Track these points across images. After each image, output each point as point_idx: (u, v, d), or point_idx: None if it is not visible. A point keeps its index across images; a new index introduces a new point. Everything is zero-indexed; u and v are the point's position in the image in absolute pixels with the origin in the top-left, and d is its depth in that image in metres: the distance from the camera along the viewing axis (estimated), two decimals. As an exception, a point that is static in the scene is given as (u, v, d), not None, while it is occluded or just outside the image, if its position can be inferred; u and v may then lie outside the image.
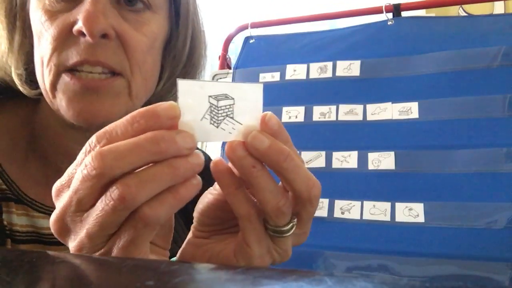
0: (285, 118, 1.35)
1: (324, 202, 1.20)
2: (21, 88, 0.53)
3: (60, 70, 0.48)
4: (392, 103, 1.25)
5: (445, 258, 1.03)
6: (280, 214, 0.34)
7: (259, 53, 1.52)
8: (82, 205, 0.31)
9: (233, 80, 1.50)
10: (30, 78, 0.53)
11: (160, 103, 0.31)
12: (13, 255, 0.31)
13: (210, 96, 0.33)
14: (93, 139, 0.32)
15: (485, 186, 1.07)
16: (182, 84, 0.32)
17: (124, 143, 0.30)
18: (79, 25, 0.46)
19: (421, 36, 1.31)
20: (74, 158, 0.36)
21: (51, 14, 0.49)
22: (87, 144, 0.32)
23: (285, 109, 1.37)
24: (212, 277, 0.24)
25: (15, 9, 0.53)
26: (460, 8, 1.95)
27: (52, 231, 0.33)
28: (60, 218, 0.32)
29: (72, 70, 0.48)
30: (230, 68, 1.63)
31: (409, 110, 1.22)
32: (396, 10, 1.40)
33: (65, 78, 0.48)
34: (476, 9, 1.87)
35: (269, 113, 0.35)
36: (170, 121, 0.31)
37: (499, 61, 1.18)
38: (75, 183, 0.31)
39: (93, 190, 0.30)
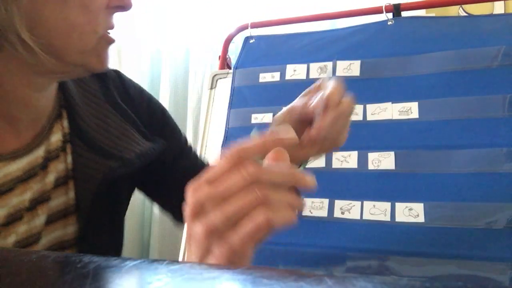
0: (285, 118, 1.35)
1: (324, 202, 1.20)
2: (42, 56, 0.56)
3: (99, 35, 0.59)
4: (392, 103, 1.25)
5: (445, 258, 1.03)
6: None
7: (259, 53, 1.52)
8: (234, 221, 0.40)
9: (233, 80, 1.50)
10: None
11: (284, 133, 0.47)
12: (13, 255, 0.31)
13: None
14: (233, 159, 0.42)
15: (485, 186, 1.07)
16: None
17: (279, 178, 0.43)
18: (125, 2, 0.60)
19: (421, 36, 1.31)
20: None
21: None
22: (229, 163, 0.42)
23: (285, 109, 1.37)
24: (212, 277, 0.24)
25: None
26: (460, 8, 1.95)
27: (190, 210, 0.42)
28: (210, 232, 0.41)
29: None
30: (230, 68, 1.63)
31: (409, 110, 1.22)
32: (396, 10, 1.40)
33: (106, 38, 0.61)
34: (476, 9, 1.87)
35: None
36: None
37: (499, 61, 1.18)
38: (237, 204, 0.40)
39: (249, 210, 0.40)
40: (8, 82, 0.58)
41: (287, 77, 1.42)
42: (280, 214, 0.40)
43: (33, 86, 0.59)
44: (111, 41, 0.61)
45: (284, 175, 0.43)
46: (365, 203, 1.16)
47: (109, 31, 0.61)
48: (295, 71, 1.41)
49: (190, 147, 0.88)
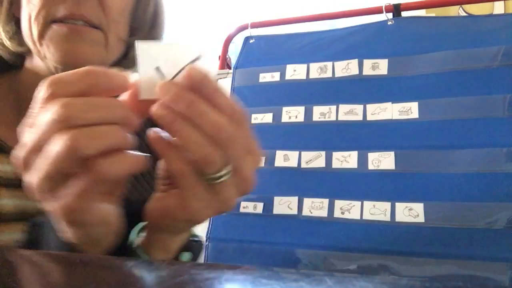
0: (285, 118, 1.35)
1: (324, 202, 1.20)
2: (8, 43, 0.61)
3: (48, 21, 0.57)
4: (392, 103, 1.25)
5: (445, 258, 1.03)
6: (209, 162, 0.35)
7: (259, 53, 1.52)
8: (42, 147, 0.34)
9: (233, 80, 1.50)
10: (17, 34, 0.61)
11: (115, 70, 0.36)
12: (13, 255, 0.31)
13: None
14: (48, 83, 0.34)
15: (485, 186, 1.07)
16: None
17: (92, 99, 0.34)
18: None
19: (421, 36, 1.31)
20: None
21: None
22: (43, 87, 0.34)
23: (285, 109, 1.37)
24: (212, 277, 0.24)
25: None
26: (460, 8, 1.95)
27: (15, 163, 0.36)
28: (21, 155, 0.35)
29: (57, 21, 0.57)
30: (230, 68, 1.63)
31: (409, 110, 1.22)
32: (396, 10, 1.40)
33: (53, 26, 0.57)
34: (476, 9, 1.87)
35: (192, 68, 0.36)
36: (120, 88, 0.35)
37: (499, 61, 1.18)
38: (39, 126, 0.34)
39: (51, 135, 0.33)
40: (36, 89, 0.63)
41: (287, 77, 1.42)
42: (92, 136, 0.33)
43: None
44: (63, 30, 0.57)
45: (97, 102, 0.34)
46: (365, 203, 1.16)
47: (70, 21, 0.57)
48: (295, 71, 1.41)
49: None
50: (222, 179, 0.36)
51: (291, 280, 0.24)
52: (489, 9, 1.88)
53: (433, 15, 1.75)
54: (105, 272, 0.28)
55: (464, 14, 1.92)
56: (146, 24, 0.69)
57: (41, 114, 0.34)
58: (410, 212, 1.11)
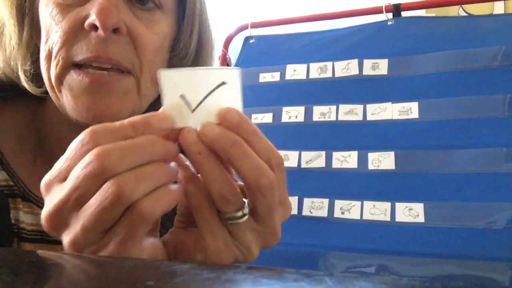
0: (285, 118, 1.35)
1: (324, 202, 1.20)
2: (26, 85, 0.52)
3: (68, 64, 0.47)
4: (392, 103, 1.25)
5: (445, 258, 1.03)
6: (224, 202, 0.35)
7: (259, 53, 1.52)
8: (81, 201, 0.32)
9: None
10: (36, 74, 0.52)
11: (155, 113, 0.34)
12: (13, 255, 0.31)
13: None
14: (88, 134, 0.33)
15: (485, 186, 1.07)
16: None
17: (127, 143, 0.32)
18: (92, 18, 0.45)
19: (421, 36, 1.31)
20: None
21: (63, 8, 0.48)
22: (80, 138, 0.33)
23: (285, 109, 1.37)
24: (212, 277, 0.24)
25: (24, 5, 0.52)
26: (460, 8, 1.95)
27: (45, 226, 0.34)
28: (55, 214, 0.33)
29: (79, 65, 0.47)
30: (230, 68, 1.63)
31: (409, 110, 1.22)
32: (396, 10, 1.40)
33: (73, 74, 0.47)
34: (476, 9, 1.87)
35: (227, 108, 0.37)
36: (162, 132, 0.34)
37: (499, 61, 1.18)
38: (75, 180, 0.32)
39: (94, 187, 0.32)
40: (58, 133, 0.56)
41: (287, 77, 1.42)
42: (154, 202, 0.32)
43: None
44: (84, 81, 0.46)
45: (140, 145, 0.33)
46: (365, 203, 1.16)
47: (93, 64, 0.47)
48: (295, 71, 1.41)
49: None
50: (240, 220, 0.36)
51: (291, 280, 0.24)
52: (489, 9, 1.88)
53: (433, 15, 1.75)
54: (105, 272, 0.28)
55: (464, 14, 1.93)
56: (188, 58, 0.57)
57: (77, 167, 0.32)
58: (410, 212, 1.11)
